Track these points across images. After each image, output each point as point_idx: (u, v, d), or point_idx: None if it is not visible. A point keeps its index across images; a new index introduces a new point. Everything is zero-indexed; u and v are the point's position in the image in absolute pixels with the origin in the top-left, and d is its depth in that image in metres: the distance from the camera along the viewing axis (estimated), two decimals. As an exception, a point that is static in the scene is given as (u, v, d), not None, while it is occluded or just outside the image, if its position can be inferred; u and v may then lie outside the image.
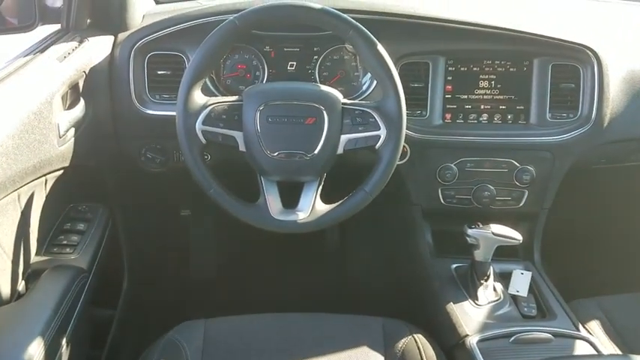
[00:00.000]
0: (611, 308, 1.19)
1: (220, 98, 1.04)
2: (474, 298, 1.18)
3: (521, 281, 1.22)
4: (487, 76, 1.26)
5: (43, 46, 1.09)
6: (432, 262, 1.33)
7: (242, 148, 1.03)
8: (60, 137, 1.02)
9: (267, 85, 1.20)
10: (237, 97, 1.05)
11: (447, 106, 1.27)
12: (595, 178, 1.52)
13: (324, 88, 1.05)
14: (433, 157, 1.27)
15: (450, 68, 1.26)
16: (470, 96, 1.27)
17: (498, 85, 1.26)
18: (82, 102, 1.13)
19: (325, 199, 1.05)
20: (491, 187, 1.28)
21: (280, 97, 1.03)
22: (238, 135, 1.02)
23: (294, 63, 1.25)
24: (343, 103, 1.03)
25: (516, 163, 1.27)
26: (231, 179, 1.06)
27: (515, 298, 1.20)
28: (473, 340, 1.05)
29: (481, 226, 1.15)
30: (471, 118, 1.28)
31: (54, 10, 1.19)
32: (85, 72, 1.14)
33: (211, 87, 1.22)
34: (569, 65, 1.25)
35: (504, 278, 1.24)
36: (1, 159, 0.84)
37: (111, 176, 1.32)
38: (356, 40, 1.00)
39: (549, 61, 1.24)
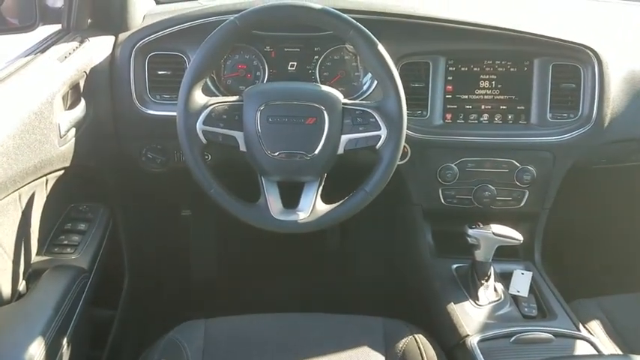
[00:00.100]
0: (611, 308, 1.19)
1: (221, 98, 1.04)
2: (475, 298, 1.18)
3: (521, 281, 1.22)
4: (488, 76, 1.26)
5: (43, 47, 1.09)
6: (432, 262, 1.33)
7: (242, 148, 1.03)
8: (61, 137, 1.02)
9: (268, 85, 1.20)
10: (237, 97, 1.05)
11: (448, 106, 1.27)
12: (595, 178, 1.52)
13: (325, 88, 1.05)
14: (434, 157, 1.27)
15: (450, 68, 1.26)
16: (470, 96, 1.27)
17: (499, 85, 1.26)
18: (82, 102, 1.14)
19: (326, 199, 1.05)
20: (492, 187, 1.28)
21: (281, 97, 1.03)
22: (239, 135, 1.02)
23: (295, 63, 1.25)
24: (344, 103, 1.03)
25: (517, 163, 1.27)
26: (232, 179, 1.06)
27: (515, 298, 1.20)
28: (473, 340, 1.05)
29: (482, 226, 1.15)
30: (472, 118, 1.28)
31: (54, 11, 1.19)
32: (85, 72, 1.14)
33: (212, 87, 1.22)
34: (569, 65, 1.25)
35: (505, 278, 1.24)
36: (1, 159, 0.84)
37: (111, 176, 1.32)
38: (356, 40, 1.00)
39: (550, 61, 1.24)
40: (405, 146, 1.19)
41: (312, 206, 1.03)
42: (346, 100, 1.04)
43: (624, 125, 1.28)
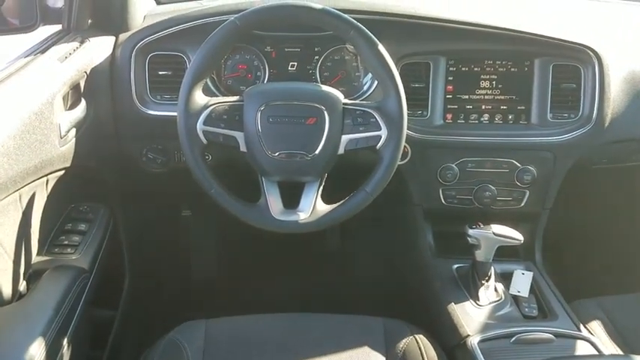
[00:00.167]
0: (612, 308, 1.19)
1: (221, 98, 1.04)
2: (475, 298, 1.18)
3: (522, 281, 1.22)
4: (488, 77, 1.26)
5: (44, 47, 1.09)
6: (433, 262, 1.33)
7: (243, 148, 1.03)
8: (61, 137, 1.02)
9: (268, 86, 1.20)
10: (238, 97, 1.05)
11: (448, 107, 1.27)
12: (596, 179, 1.52)
13: (325, 88, 1.05)
14: (434, 158, 1.27)
15: (450, 68, 1.26)
16: (471, 96, 1.27)
17: (499, 86, 1.26)
18: (83, 102, 1.14)
19: (326, 199, 1.05)
20: (493, 188, 1.28)
21: (281, 97, 1.03)
22: (239, 135, 1.02)
23: (295, 63, 1.25)
24: (344, 104, 1.03)
25: (517, 164, 1.27)
26: (232, 179, 1.06)
27: (516, 299, 1.20)
28: (474, 341, 1.05)
29: (482, 226, 1.15)
30: (472, 118, 1.28)
31: (55, 11, 1.19)
32: (86, 72, 1.14)
33: (212, 87, 1.22)
34: (570, 65, 1.25)
35: (505, 278, 1.24)
36: (2, 159, 0.84)
37: (112, 176, 1.32)
38: (357, 41, 1.00)
39: (550, 61, 1.24)
40: (405, 146, 1.19)
41: (313, 206, 1.02)
42: (347, 100, 1.04)
43: (625, 125, 1.28)
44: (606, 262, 1.64)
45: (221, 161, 1.22)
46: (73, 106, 1.10)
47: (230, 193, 1.02)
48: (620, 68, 1.26)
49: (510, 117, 1.27)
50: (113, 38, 1.23)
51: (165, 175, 1.29)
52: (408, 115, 1.03)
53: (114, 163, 1.29)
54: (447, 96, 1.27)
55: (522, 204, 1.30)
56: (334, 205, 1.04)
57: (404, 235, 1.51)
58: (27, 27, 1.13)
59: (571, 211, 1.51)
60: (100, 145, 1.21)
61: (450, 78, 1.26)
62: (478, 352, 1.03)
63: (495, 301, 1.18)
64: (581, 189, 1.45)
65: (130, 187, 1.40)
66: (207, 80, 1.16)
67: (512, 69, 1.26)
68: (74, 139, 1.09)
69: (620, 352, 1.08)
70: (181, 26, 1.19)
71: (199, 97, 1.02)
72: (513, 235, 1.14)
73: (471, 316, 1.13)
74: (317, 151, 1.01)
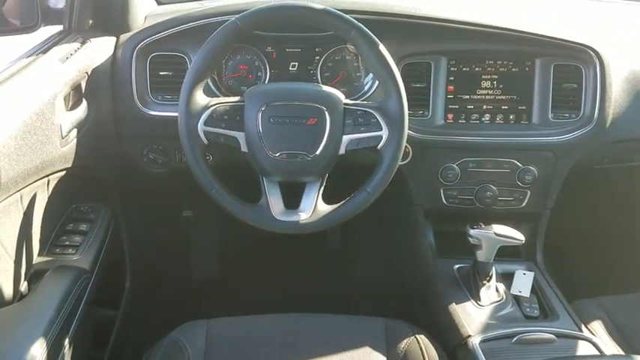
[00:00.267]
0: (613, 308, 1.19)
1: (222, 99, 1.04)
2: (477, 298, 1.18)
3: (523, 281, 1.22)
4: (489, 77, 1.26)
5: (45, 47, 1.10)
6: (434, 262, 1.33)
7: (244, 148, 1.03)
8: (62, 138, 1.02)
9: (269, 86, 1.20)
10: (238, 97, 1.05)
11: (449, 107, 1.27)
12: (597, 178, 1.52)
13: (326, 88, 1.05)
14: (435, 158, 1.27)
15: (452, 68, 1.26)
16: (472, 96, 1.27)
17: (500, 86, 1.26)
18: (84, 103, 1.14)
19: (327, 199, 1.05)
20: (494, 188, 1.28)
21: (282, 97, 1.03)
22: (240, 135, 1.02)
23: (296, 63, 1.25)
24: (345, 104, 1.03)
25: (518, 164, 1.27)
26: (233, 180, 1.06)
27: (517, 299, 1.20)
28: (475, 341, 1.05)
29: (483, 226, 1.15)
30: (473, 118, 1.28)
31: (56, 11, 1.19)
32: (87, 73, 1.14)
33: (213, 88, 1.22)
34: (571, 65, 1.25)
35: (507, 279, 1.24)
36: (3, 160, 0.84)
37: (113, 177, 1.33)
38: (358, 41, 1.00)
39: (551, 61, 1.24)
40: (406, 146, 1.19)
41: (314, 207, 1.02)
42: (347, 101, 1.04)
43: (626, 125, 1.27)
44: (608, 262, 1.64)
45: (222, 162, 1.22)
46: (74, 107, 1.10)
47: (231, 194, 1.02)
48: (622, 68, 1.26)
49: (511, 117, 1.27)
50: (114, 39, 1.23)
51: (166, 176, 1.29)
52: (409, 115, 1.03)
53: (115, 164, 1.29)
54: (448, 96, 1.26)
55: (523, 204, 1.30)
56: (335, 206, 1.04)
57: (405, 235, 1.51)
58: (28, 27, 1.13)
59: (572, 211, 1.51)
60: (101, 146, 1.21)
61: (451, 78, 1.26)
62: (479, 352, 1.03)
63: (496, 301, 1.18)
64: (583, 189, 1.45)
65: (130, 187, 1.40)
66: (208, 80, 1.16)
67: (514, 69, 1.26)
68: (75, 139, 1.09)
69: (622, 353, 1.08)
70: (182, 27, 1.19)
71: (200, 98, 1.02)
72: (514, 235, 1.14)
73: (472, 317, 1.13)
74: (318, 152, 1.01)
